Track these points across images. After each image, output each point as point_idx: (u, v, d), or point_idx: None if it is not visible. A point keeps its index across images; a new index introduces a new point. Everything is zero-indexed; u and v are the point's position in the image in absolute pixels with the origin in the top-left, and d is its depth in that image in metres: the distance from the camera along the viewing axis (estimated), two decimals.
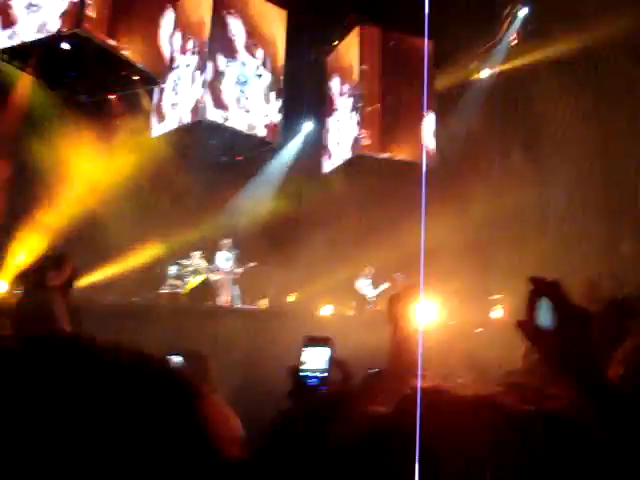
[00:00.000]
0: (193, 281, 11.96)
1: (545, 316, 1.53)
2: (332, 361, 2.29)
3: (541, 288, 1.62)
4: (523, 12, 13.19)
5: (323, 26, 13.89)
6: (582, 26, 11.60)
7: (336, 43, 14.43)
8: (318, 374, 2.29)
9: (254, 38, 12.98)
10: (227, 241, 12.60)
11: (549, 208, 13.49)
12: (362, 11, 13.43)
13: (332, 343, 2.29)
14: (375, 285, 13.20)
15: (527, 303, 1.62)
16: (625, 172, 11.38)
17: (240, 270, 12.50)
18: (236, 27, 12.67)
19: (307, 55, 14.41)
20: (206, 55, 12.23)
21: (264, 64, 13.15)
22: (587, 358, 1.53)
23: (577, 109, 12.32)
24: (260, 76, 13.05)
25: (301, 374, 2.30)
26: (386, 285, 12.92)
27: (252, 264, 12.50)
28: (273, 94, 13.23)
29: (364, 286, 13.17)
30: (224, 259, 12.48)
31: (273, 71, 13.28)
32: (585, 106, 12.24)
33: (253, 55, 12.98)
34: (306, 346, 2.33)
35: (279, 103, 13.28)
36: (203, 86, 12.10)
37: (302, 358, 2.34)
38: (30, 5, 10.17)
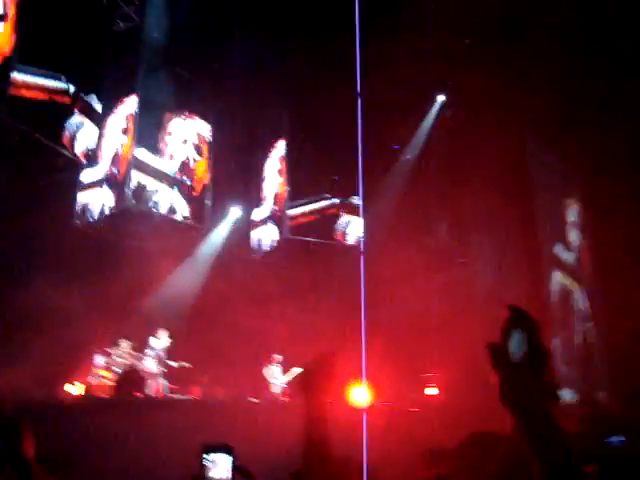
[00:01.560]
0: (121, 371, 11.65)
1: (518, 346, 1.54)
2: (235, 468, 2.22)
3: (518, 318, 1.63)
4: (441, 99, 13.81)
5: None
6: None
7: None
8: None
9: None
10: (163, 330, 12.36)
11: (476, 285, 13.76)
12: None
13: (232, 449, 2.21)
14: (285, 371, 13.28)
15: (503, 330, 1.63)
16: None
17: (173, 364, 12.25)
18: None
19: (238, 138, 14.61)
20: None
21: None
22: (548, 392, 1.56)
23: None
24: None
25: None
26: (298, 370, 12.91)
27: (187, 364, 12.40)
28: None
29: (274, 373, 13.22)
30: (159, 346, 12.21)
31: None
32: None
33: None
34: (206, 453, 2.25)
35: (209, 187, 13.41)
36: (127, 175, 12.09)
37: (204, 466, 2.24)
38: None
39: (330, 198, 14.66)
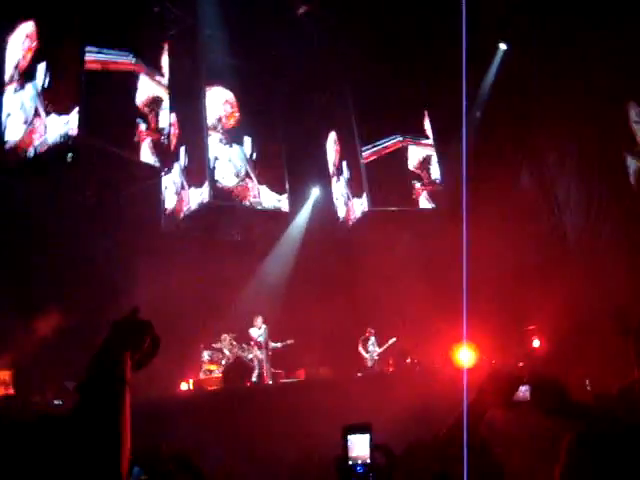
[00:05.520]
0: (226, 363, 11.98)
1: None
2: (373, 446, 2.32)
3: None
4: (502, 48, 13.43)
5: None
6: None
7: None
8: (363, 461, 2.31)
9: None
10: (259, 317, 12.55)
11: (568, 232, 13.38)
12: None
13: (370, 428, 2.32)
14: (379, 344, 13.48)
15: None
16: None
17: (278, 345, 12.47)
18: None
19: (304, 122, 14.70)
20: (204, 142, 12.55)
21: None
22: None
23: None
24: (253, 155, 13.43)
25: (349, 463, 2.32)
26: (391, 341, 13.30)
27: (290, 341, 12.54)
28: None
29: (369, 346, 13.46)
30: (258, 335, 12.45)
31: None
32: None
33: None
34: (347, 434, 2.35)
35: (284, 175, 13.58)
36: (207, 171, 12.37)
37: (346, 447, 2.35)
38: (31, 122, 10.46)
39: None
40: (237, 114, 13.42)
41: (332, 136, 15.05)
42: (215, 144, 12.85)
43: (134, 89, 10.90)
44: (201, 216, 12.85)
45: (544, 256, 13.26)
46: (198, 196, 12.53)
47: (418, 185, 14.09)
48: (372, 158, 13.92)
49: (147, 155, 11.14)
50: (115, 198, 11.93)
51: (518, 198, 14.12)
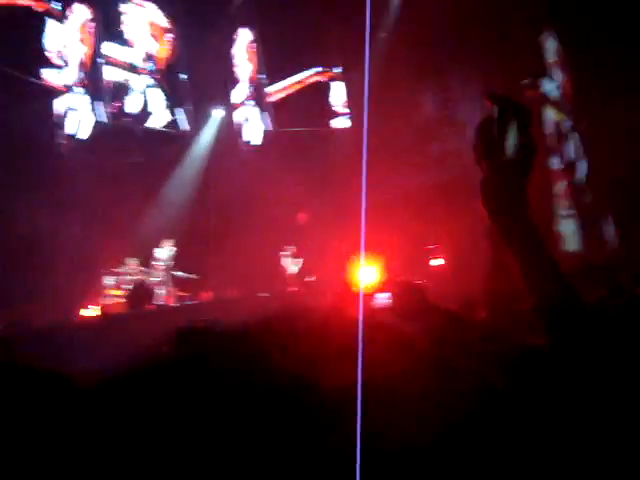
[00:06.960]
0: (130, 287, 11.88)
1: (512, 138, 1.51)
2: None
3: (511, 107, 1.61)
4: None
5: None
6: None
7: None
8: None
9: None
10: (168, 240, 12.50)
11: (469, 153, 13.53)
12: None
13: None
14: (295, 261, 13.50)
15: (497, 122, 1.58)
16: None
17: (181, 275, 12.46)
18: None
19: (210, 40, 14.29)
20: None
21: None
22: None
23: None
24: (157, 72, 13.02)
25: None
26: (300, 260, 13.33)
27: (193, 276, 12.60)
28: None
29: (290, 264, 13.45)
30: (166, 257, 12.40)
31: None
32: None
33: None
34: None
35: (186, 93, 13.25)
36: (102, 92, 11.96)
37: None
38: None
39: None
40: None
41: (245, 36, 14.53)
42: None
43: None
44: (101, 137, 12.50)
45: (447, 176, 13.46)
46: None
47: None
48: (280, 95, 13.81)
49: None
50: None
51: (421, 119, 14.22)
